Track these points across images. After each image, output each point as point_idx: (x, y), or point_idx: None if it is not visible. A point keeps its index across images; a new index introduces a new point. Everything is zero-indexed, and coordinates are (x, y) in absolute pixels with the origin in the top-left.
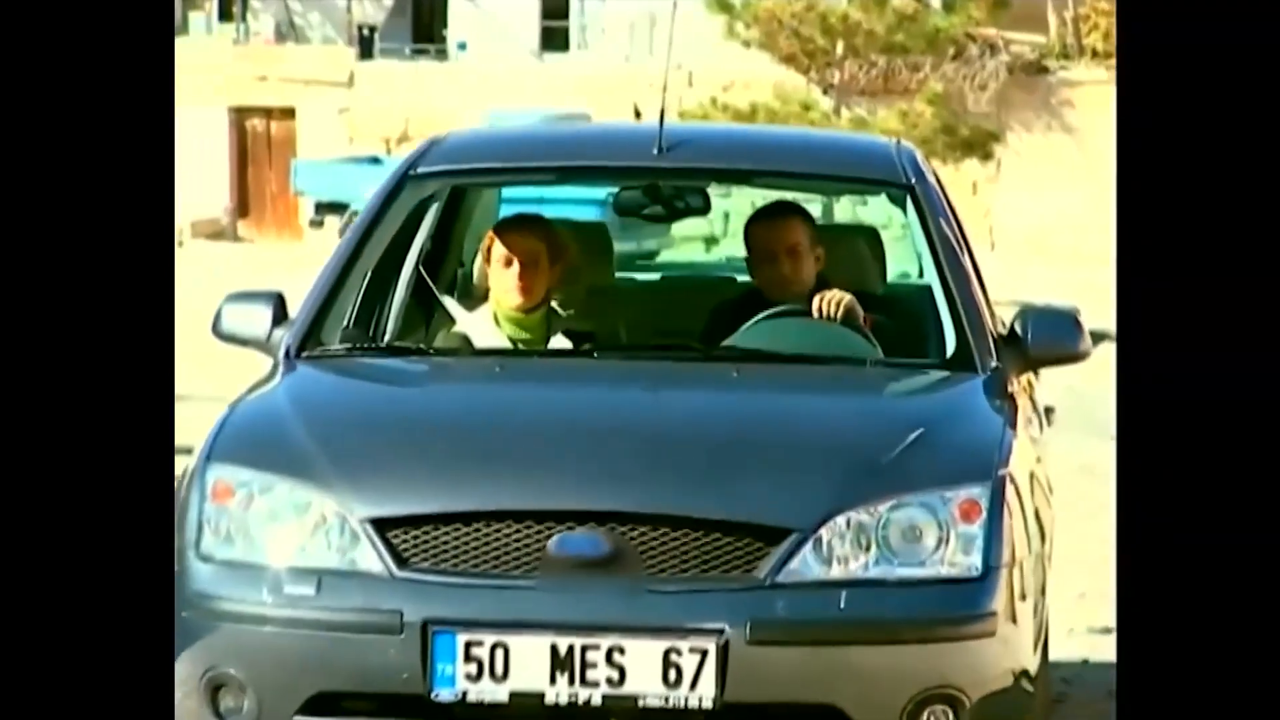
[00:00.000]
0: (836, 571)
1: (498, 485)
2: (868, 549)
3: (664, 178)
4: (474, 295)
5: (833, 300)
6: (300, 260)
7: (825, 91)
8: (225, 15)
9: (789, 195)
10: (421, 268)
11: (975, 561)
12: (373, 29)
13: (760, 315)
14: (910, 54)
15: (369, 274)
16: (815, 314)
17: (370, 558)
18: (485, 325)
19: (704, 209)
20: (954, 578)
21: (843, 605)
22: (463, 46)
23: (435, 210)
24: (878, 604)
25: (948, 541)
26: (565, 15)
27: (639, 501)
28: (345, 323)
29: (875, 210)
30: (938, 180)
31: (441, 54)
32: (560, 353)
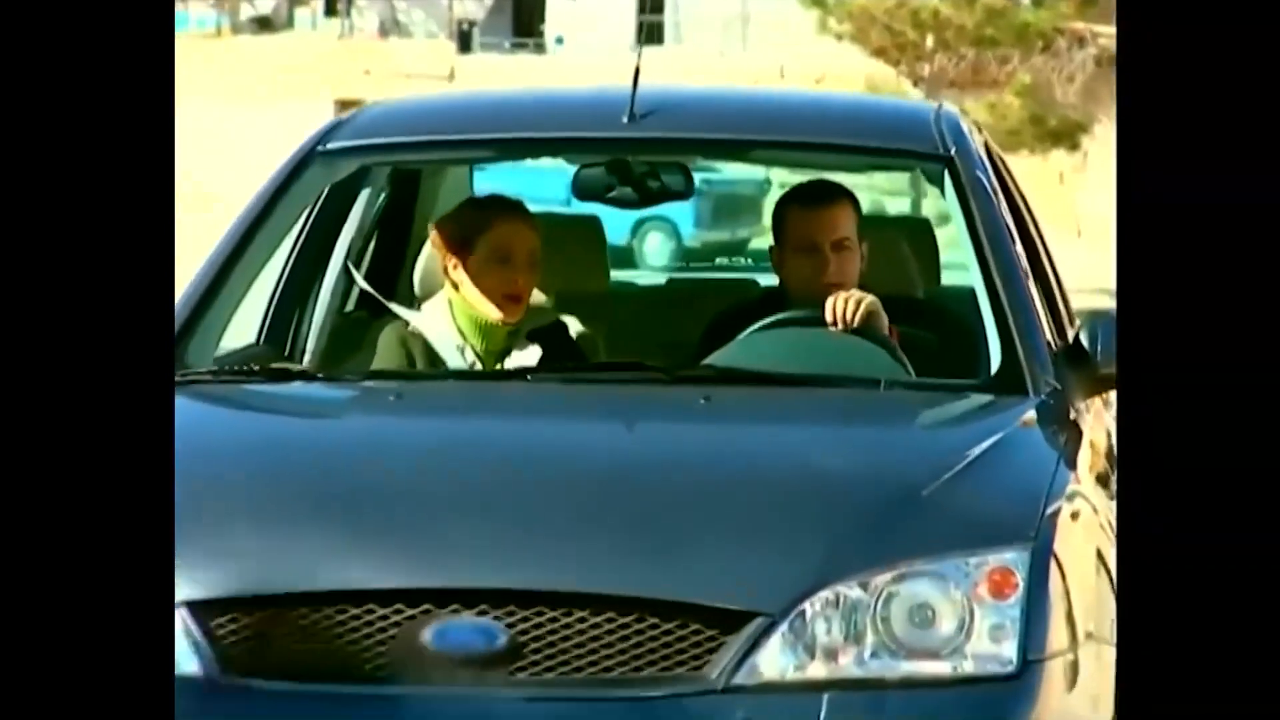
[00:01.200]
0: (818, 668)
1: (358, 555)
2: (861, 637)
3: (634, 151)
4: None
5: (850, 300)
6: None
7: (915, 84)
8: (330, 11)
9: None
10: (353, 266)
11: (1008, 653)
12: (473, 24)
13: (755, 325)
14: (999, 47)
15: (285, 275)
16: (829, 318)
17: (185, 655)
18: (439, 323)
19: (685, 191)
20: (980, 676)
21: (824, 714)
22: (560, 41)
23: (369, 196)
24: (874, 713)
25: (971, 625)
26: (661, 10)
27: (545, 577)
28: (257, 336)
29: None
30: (990, 152)
31: (540, 48)
32: (487, 375)
